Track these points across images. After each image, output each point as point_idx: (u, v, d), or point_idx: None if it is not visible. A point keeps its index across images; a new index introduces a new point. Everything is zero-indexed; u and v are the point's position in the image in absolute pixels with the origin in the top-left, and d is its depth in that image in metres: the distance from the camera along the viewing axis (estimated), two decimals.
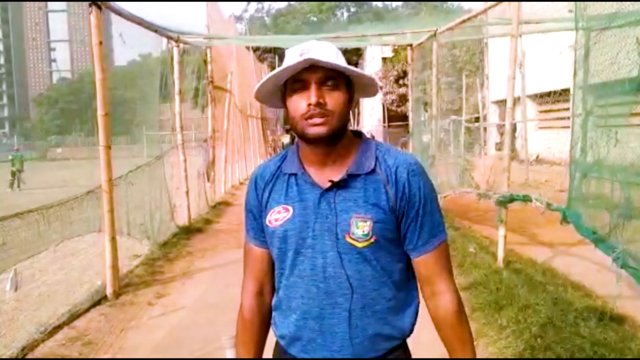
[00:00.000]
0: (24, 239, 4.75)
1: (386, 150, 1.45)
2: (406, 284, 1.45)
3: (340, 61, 1.35)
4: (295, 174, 1.44)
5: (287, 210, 1.41)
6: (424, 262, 1.41)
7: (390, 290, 1.40)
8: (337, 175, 1.39)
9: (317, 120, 1.33)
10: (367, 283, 1.37)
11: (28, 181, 20.32)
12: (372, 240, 1.35)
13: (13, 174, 19.90)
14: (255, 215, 1.50)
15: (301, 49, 1.34)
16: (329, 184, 1.38)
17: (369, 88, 1.47)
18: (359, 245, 1.35)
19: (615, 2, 3.40)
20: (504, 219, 5.58)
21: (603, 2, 3.54)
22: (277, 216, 1.42)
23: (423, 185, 1.40)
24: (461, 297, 1.46)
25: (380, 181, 1.38)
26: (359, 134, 1.49)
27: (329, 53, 1.34)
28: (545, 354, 3.49)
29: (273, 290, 1.52)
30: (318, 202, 1.38)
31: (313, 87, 1.33)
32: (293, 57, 1.33)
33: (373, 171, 1.39)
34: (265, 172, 1.50)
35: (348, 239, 1.35)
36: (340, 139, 1.39)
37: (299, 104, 1.34)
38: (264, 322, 1.54)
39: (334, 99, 1.34)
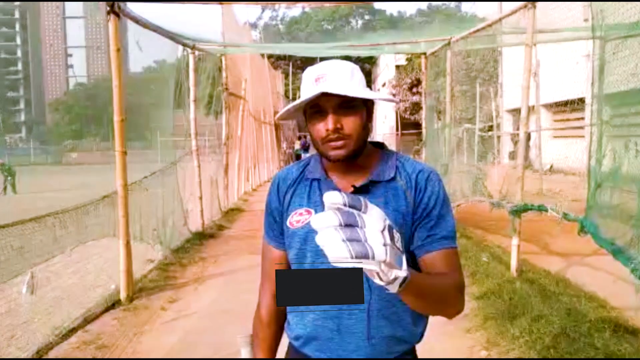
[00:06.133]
0: (40, 243, 4.81)
1: (405, 159, 1.51)
2: None
3: (356, 82, 1.39)
4: (318, 179, 1.49)
5: (310, 212, 1.46)
6: (429, 260, 1.39)
7: None
8: (360, 181, 1.44)
9: (336, 143, 1.39)
10: None
11: (34, 186, 20.59)
12: None
13: (5, 181, 20.50)
14: (276, 217, 1.54)
15: (317, 74, 1.38)
16: (351, 189, 1.43)
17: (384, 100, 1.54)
18: None
19: (635, 12, 3.37)
20: (517, 229, 5.55)
21: (622, 13, 3.51)
22: (299, 218, 1.47)
23: (438, 192, 1.45)
24: (465, 286, 1.41)
25: (400, 188, 1.43)
26: (380, 145, 1.54)
27: (344, 76, 1.38)
28: None
29: None
30: None
31: (330, 114, 1.38)
32: (309, 84, 1.39)
33: (393, 179, 1.45)
34: (288, 176, 1.55)
35: None
36: (359, 155, 1.44)
37: (318, 129, 1.40)
38: (280, 322, 1.58)
39: (350, 123, 1.39)
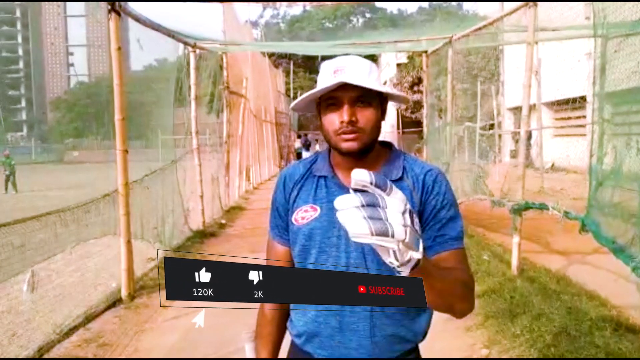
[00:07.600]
0: (41, 241, 4.81)
1: (413, 160, 1.51)
2: None
3: (373, 78, 1.39)
4: (325, 176, 1.49)
5: (315, 209, 1.46)
6: (438, 261, 1.39)
7: None
8: None
9: (349, 136, 1.38)
10: None
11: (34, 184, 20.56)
12: None
13: (7, 177, 20.31)
14: (281, 213, 1.55)
15: (336, 66, 1.39)
16: None
17: (400, 99, 1.55)
18: None
19: (637, 11, 3.36)
20: (518, 227, 5.55)
21: (623, 11, 3.50)
22: (304, 215, 1.47)
23: (446, 193, 1.44)
24: (474, 283, 1.40)
25: (406, 188, 1.43)
26: (387, 144, 1.54)
27: (362, 71, 1.38)
28: None
29: None
30: None
31: (346, 106, 1.38)
32: (328, 75, 1.39)
33: (400, 179, 1.44)
34: (295, 172, 1.55)
35: None
36: (371, 151, 1.45)
37: (333, 120, 1.40)
38: (283, 318, 1.58)
39: (365, 117, 1.39)
